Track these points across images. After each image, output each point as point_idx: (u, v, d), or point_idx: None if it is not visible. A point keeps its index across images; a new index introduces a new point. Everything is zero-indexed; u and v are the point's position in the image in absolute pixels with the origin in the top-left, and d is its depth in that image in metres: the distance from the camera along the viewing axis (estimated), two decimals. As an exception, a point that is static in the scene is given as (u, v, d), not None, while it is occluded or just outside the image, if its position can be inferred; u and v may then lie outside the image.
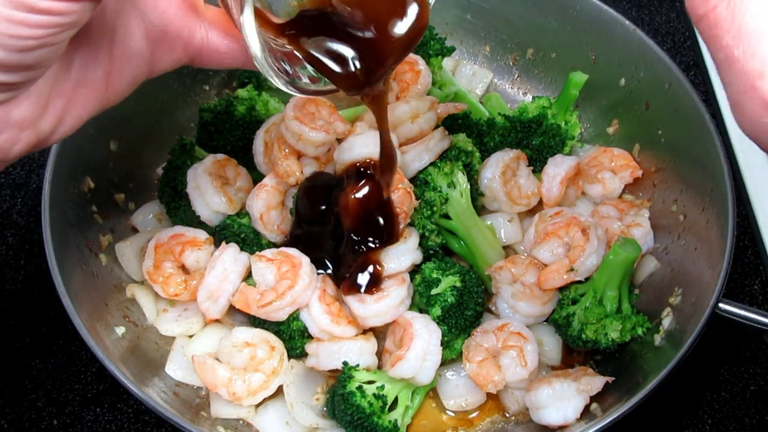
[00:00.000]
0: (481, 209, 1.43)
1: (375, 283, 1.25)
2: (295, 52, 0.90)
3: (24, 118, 0.73)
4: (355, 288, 1.24)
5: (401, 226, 1.25)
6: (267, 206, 1.34)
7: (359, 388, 1.18)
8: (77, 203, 1.32)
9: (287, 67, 0.89)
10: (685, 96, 1.35)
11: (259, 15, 0.84)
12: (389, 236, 1.24)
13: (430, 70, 1.46)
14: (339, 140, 1.30)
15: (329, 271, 1.29)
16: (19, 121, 0.73)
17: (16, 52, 0.65)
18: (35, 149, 0.78)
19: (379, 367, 1.28)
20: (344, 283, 1.25)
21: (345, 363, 1.22)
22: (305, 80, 0.92)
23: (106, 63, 0.79)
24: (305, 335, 1.28)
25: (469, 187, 1.34)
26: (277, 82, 0.86)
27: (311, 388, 1.28)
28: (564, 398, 1.20)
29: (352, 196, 1.21)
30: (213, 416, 1.25)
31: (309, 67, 0.92)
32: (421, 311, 1.27)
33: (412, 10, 0.90)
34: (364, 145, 1.23)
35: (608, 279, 1.26)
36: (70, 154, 1.29)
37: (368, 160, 1.22)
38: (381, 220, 1.22)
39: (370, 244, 1.23)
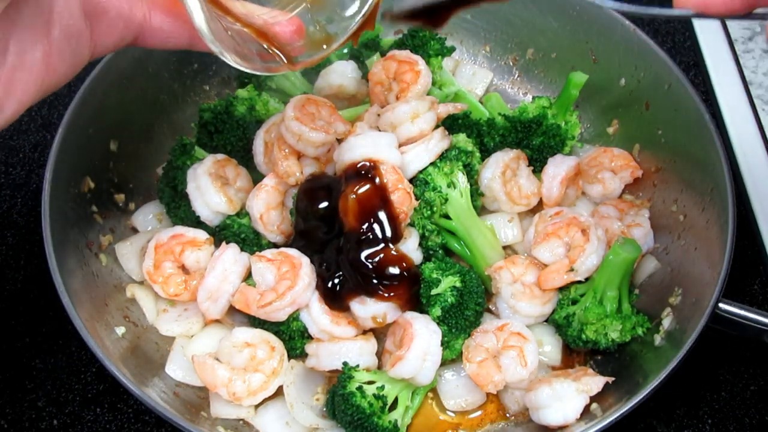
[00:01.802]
0: (481, 209, 1.43)
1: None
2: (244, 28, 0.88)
3: None
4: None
5: (401, 226, 1.25)
6: (267, 206, 1.34)
7: (359, 388, 1.18)
8: (77, 203, 1.32)
9: (238, 45, 0.87)
10: (685, 96, 1.35)
11: None
12: (393, 236, 1.24)
13: (430, 70, 1.46)
14: (339, 140, 1.30)
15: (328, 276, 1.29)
16: None
17: None
18: None
19: (379, 367, 1.28)
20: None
21: (345, 363, 1.22)
22: (257, 59, 0.91)
23: (44, 44, 0.76)
24: (305, 335, 1.28)
25: (469, 187, 1.34)
26: (226, 56, 0.84)
27: (311, 388, 1.28)
28: (564, 398, 1.20)
29: (352, 197, 1.21)
30: (213, 416, 1.25)
31: (261, 45, 0.90)
32: (421, 311, 1.27)
33: None
34: (364, 146, 1.23)
35: (608, 279, 1.26)
36: (70, 154, 1.29)
37: (368, 161, 1.22)
38: (383, 220, 1.22)
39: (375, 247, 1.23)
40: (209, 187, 1.34)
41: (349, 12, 0.92)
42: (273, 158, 1.34)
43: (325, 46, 0.94)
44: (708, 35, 1.82)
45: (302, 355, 1.29)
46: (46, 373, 1.37)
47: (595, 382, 1.21)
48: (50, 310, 1.42)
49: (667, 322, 1.26)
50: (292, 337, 1.27)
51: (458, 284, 1.25)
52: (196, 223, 1.37)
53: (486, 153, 1.45)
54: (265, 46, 0.90)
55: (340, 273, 1.25)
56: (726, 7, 0.78)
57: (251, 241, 1.35)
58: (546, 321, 1.35)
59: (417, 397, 1.27)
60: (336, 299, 1.25)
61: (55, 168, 1.25)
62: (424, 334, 1.21)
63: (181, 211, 1.40)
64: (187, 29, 0.88)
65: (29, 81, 0.76)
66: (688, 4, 0.80)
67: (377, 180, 1.22)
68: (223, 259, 1.29)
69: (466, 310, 1.25)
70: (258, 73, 0.94)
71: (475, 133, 1.45)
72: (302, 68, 0.94)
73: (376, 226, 1.22)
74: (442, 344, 1.22)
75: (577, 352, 1.35)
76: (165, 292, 1.33)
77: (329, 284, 1.25)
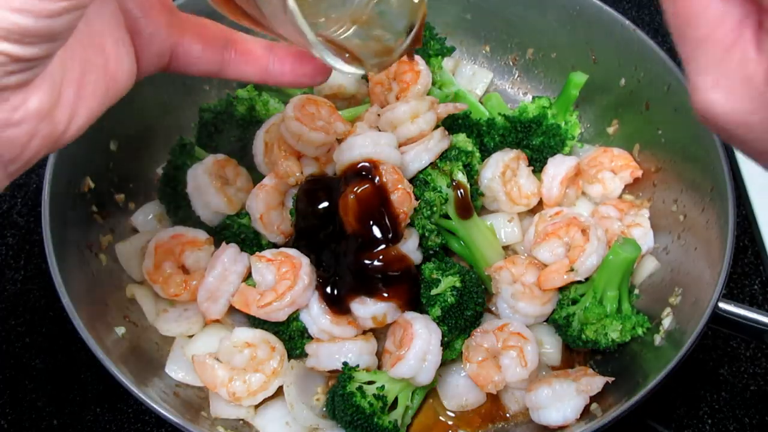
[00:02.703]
0: (481, 209, 1.43)
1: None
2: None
3: (41, 106, 0.69)
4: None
5: (402, 226, 1.25)
6: (267, 206, 1.34)
7: (359, 388, 1.18)
8: (77, 203, 1.32)
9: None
10: (685, 96, 1.32)
11: None
12: (393, 236, 1.24)
13: (430, 70, 1.46)
14: (339, 140, 1.30)
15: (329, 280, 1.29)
16: (36, 110, 0.69)
17: (46, 18, 0.61)
18: (50, 149, 0.75)
19: (379, 367, 1.28)
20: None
21: (345, 363, 1.22)
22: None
23: (103, 48, 0.77)
24: (305, 336, 1.28)
25: (469, 187, 1.34)
26: (342, 65, 0.83)
27: (311, 388, 1.28)
28: (564, 398, 1.20)
29: (352, 197, 1.21)
30: (213, 416, 1.25)
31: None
32: (421, 311, 1.27)
33: None
34: (363, 146, 1.23)
35: (608, 279, 1.26)
36: (70, 154, 1.29)
37: (368, 161, 1.22)
38: (384, 220, 1.22)
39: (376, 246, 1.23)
40: (209, 188, 1.34)
41: (400, 26, 0.92)
42: (273, 158, 1.34)
43: (386, 57, 0.94)
44: (708, 35, 1.81)
45: (302, 355, 1.29)
46: (46, 373, 1.37)
47: (595, 382, 1.21)
48: (50, 310, 1.42)
49: (667, 322, 1.26)
50: (292, 337, 1.27)
51: (458, 284, 1.25)
52: (196, 223, 1.37)
53: (486, 153, 1.45)
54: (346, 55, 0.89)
55: (340, 275, 1.25)
56: None
57: (251, 241, 1.35)
58: (546, 321, 1.35)
59: (417, 397, 1.27)
60: (336, 302, 1.25)
61: (55, 168, 1.25)
62: (424, 334, 1.20)
63: (181, 211, 1.40)
64: (218, 55, 0.90)
65: (97, 85, 0.77)
66: None
67: (377, 180, 1.22)
68: (223, 259, 1.29)
69: (466, 311, 1.25)
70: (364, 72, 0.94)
71: (475, 133, 1.45)
72: (377, 70, 0.94)
73: (376, 227, 1.22)
74: (442, 344, 1.22)
75: (577, 352, 1.35)
76: (165, 292, 1.33)
77: (329, 288, 1.26)
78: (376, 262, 1.22)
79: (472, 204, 1.33)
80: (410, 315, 1.25)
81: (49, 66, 0.69)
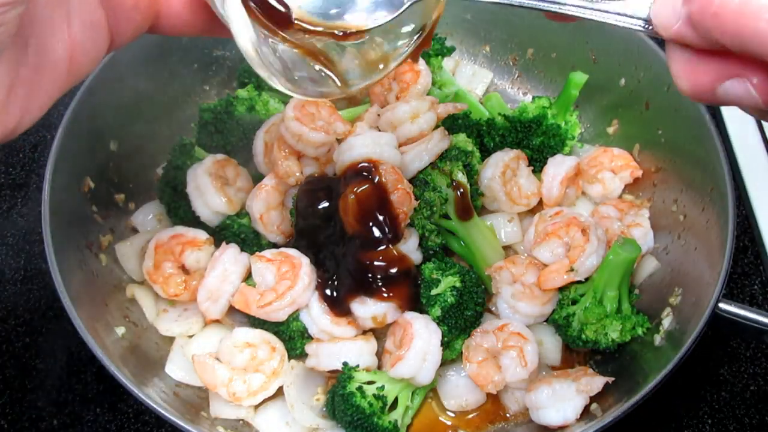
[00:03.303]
0: (481, 209, 1.43)
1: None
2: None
3: None
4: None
5: (401, 226, 1.25)
6: (267, 206, 1.34)
7: (359, 388, 1.18)
8: (77, 203, 1.32)
9: (287, 70, 0.83)
10: (685, 96, 1.35)
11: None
12: (393, 236, 1.24)
13: (430, 70, 1.46)
14: (339, 140, 1.30)
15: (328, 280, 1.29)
16: None
17: None
18: (1, 141, 0.74)
19: (379, 367, 1.28)
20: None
21: (345, 363, 1.22)
22: (308, 83, 0.85)
23: (65, 39, 0.73)
24: (305, 336, 1.28)
25: (469, 187, 1.34)
26: (274, 81, 0.80)
27: (311, 388, 1.28)
28: (564, 398, 1.20)
29: (352, 197, 1.21)
30: (213, 416, 1.25)
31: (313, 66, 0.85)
32: (421, 311, 1.27)
33: None
34: (363, 146, 1.23)
35: (608, 279, 1.26)
36: (70, 154, 1.29)
37: (368, 161, 1.22)
38: (383, 220, 1.22)
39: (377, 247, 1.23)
40: (209, 187, 1.34)
41: (407, 29, 0.86)
42: (273, 158, 1.34)
43: (381, 66, 0.88)
44: (708, 35, 1.81)
45: (302, 356, 1.29)
46: (46, 373, 1.37)
47: (595, 382, 1.21)
48: (50, 310, 1.42)
49: (667, 322, 1.26)
50: (292, 337, 1.27)
51: (458, 284, 1.25)
52: (196, 223, 1.37)
53: (486, 153, 1.45)
54: (317, 68, 0.85)
55: (340, 275, 1.25)
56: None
57: (251, 241, 1.35)
58: (546, 321, 1.35)
59: (417, 397, 1.27)
60: (336, 302, 1.25)
61: (55, 168, 1.25)
62: (424, 334, 1.21)
63: (181, 211, 1.40)
64: (206, 15, 0.85)
65: (53, 79, 0.74)
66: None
67: (377, 180, 1.22)
68: (223, 259, 1.29)
69: (466, 310, 1.25)
70: (309, 99, 0.87)
71: (475, 133, 1.45)
72: (357, 91, 0.88)
73: (376, 227, 1.22)
74: (442, 344, 1.22)
75: (577, 352, 1.35)
76: (165, 292, 1.33)
77: (329, 289, 1.26)
78: (376, 262, 1.22)
79: (472, 205, 1.33)
80: (410, 315, 1.25)
81: None
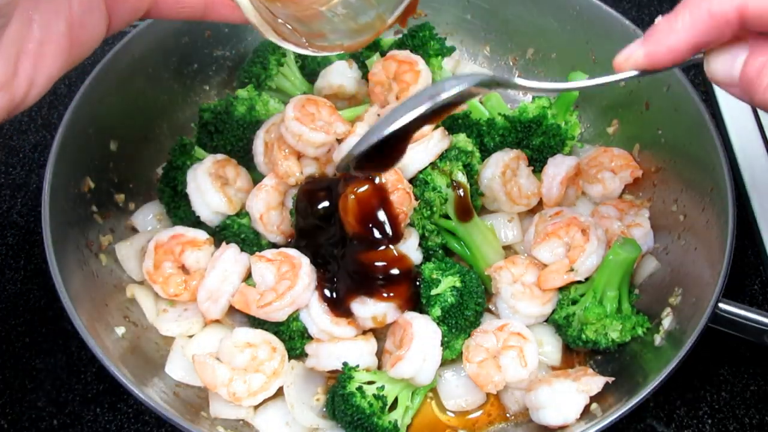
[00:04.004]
0: (481, 209, 1.43)
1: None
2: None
3: None
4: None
5: (401, 226, 1.25)
6: (267, 207, 1.34)
7: (359, 388, 1.18)
8: (77, 203, 1.32)
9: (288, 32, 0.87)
10: (685, 96, 1.35)
11: None
12: (393, 236, 1.24)
13: (430, 70, 1.46)
14: (339, 141, 1.30)
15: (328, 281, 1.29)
16: None
17: None
18: (10, 114, 0.79)
19: (379, 367, 1.28)
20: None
21: (345, 363, 1.22)
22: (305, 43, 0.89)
23: (66, 17, 0.79)
24: (305, 336, 1.28)
25: (469, 187, 1.34)
26: (280, 41, 0.83)
27: (311, 388, 1.28)
28: (564, 398, 1.20)
29: (352, 197, 1.21)
30: (213, 416, 1.25)
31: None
32: (421, 311, 1.27)
33: None
34: (364, 146, 1.23)
35: (608, 279, 1.26)
36: (70, 154, 1.29)
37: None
38: (383, 221, 1.22)
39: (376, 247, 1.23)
40: (209, 187, 1.34)
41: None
42: (273, 158, 1.34)
43: (375, 27, 0.93)
44: (708, 35, 1.81)
45: (302, 356, 1.29)
46: (46, 373, 1.37)
47: (595, 382, 1.21)
48: (50, 310, 1.42)
49: (667, 322, 1.26)
50: (292, 337, 1.27)
51: (458, 284, 1.25)
52: (196, 223, 1.37)
53: (486, 153, 1.45)
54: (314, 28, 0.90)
55: (340, 275, 1.25)
56: (672, 59, 0.80)
57: (251, 241, 1.35)
58: (546, 321, 1.35)
59: (417, 397, 1.27)
60: (336, 302, 1.25)
61: (55, 168, 1.25)
62: (424, 334, 1.21)
63: (181, 211, 1.40)
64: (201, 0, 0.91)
65: (56, 53, 0.79)
66: (630, 67, 0.83)
67: (377, 180, 1.22)
68: (223, 259, 1.29)
69: (466, 310, 1.25)
70: (313, 54, 0.92)
71: (475, 133, 1.45)
72: (356, 49, 0.94)
73: (376, 227, 1.22)
74: (442, 344, 1.22)
75: (577, 352, 1.35)
76: (165, 292, 1.33)
77: (329, 289, 1.26)
78: (376, 263, 1.22)
79: (472, 207, 1.33)
80: (410, 315, 1.25)
81: (3, 40, 0.71)
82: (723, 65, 0.80)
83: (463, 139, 1.36)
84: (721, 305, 1.16)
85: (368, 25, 0.91)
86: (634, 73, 0.83)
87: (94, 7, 0.82)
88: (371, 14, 0.91)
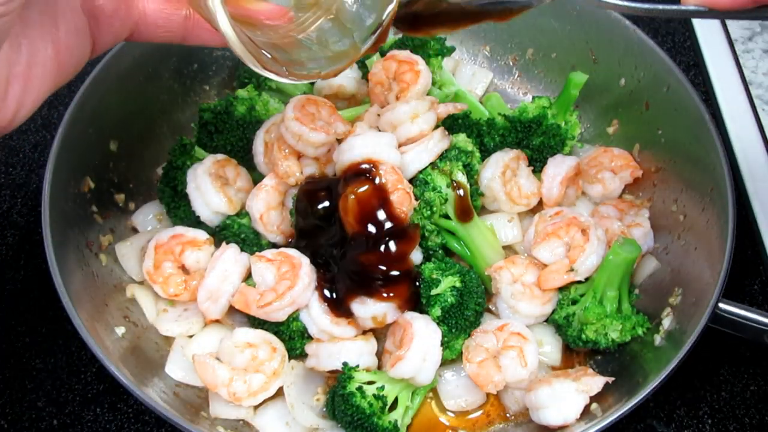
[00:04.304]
0: (481, 209, 1.43)
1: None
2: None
3: None
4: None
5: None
6: (267, 207, 1.34)
7: (359, 388, 1.18)
8: (77, 203, 1.32)
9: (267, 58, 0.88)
10: (685, 96, 1.35)
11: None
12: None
13: (430, 70, 1.46)
14: (339, 140, 1.30)
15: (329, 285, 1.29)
16: None
17: None
18: None
19: (379, 367, 1.28)
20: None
21: (345, 364, 1.22)
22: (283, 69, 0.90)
23: (53, 41, 0.80)
24: (305, 336, 1.28)
25: (469, 187, 1.34)
26: (258, 68, 0.84)
27: (311, 388, 1.28)
28: (564, 398, 1.20)
29: (352, 197, 1.21)
30: (213, 416, 1.25)
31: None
32: (421, 311, 1.27)
33: None
34: (363, 146, 1.23)
35: (608, 279, 1.26)
36: (70, 154, 1.29)
37: (368, 161, 1.22)
38: (383, 221, 1.22)
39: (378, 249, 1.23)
40: (209, 187, 1.34)
41: (369, 22, 0.93)
42: (273, 158, 1.34)
43: (349, 56, 0.95)
44: (708, 35, 1.82)
45: (302, 356, 1.29)
46: (46, 373, 1.37)
47: (595, 382, 1.21)
48: (50, 310, 1.42)
49: (667, 322, 1.26)
50: (292, 337, 1.27)
51: (458, 284, 1.25)
52: (196, 223, 1.37)
53: (486, 153, 1.45)
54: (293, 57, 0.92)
55: (340, 275, 1.25)
56: (733, 3, 0.78)
57: (251, 241, 1.35)
58: (546, 321, 1.35)
59: (417, 397, 1.27)
60: (336, 302, 1.25)
61: (55, 168, 1.25)
62: (424, 334, 1.21)
63: (181, 211, 1.40)
64: (181, 24, 0.93)
65: (44, 76, 0.81)
66: (693, 1, 0.81)
67: (377, 180, 1.22)
68: (223, 259, 1.29)
69: (466, 310, 1.25)
70: (293, 82, 0.94)
71: (475, 133, 1.45)
72: (332, 76, 0.95)
73: (376, 227, 1.22)
74: (442, 344, 1.22)
75: (577, 352, 1.35)
76: (165, 292, 1.33)
77: (329, 289, 1.26)
78: (376, 263, 1.22)
79: (472, 207, 1.33)
80: (410, 315, 1.25)
81: None
82: None
83: (463, 139, 1.36)
84: (721, 305, 1.16)
85: (343, 54, 0.94)
86: (695, 8, 0.81)
87: (79, 32, 0.84)
88: (346, 43, 0.93)
